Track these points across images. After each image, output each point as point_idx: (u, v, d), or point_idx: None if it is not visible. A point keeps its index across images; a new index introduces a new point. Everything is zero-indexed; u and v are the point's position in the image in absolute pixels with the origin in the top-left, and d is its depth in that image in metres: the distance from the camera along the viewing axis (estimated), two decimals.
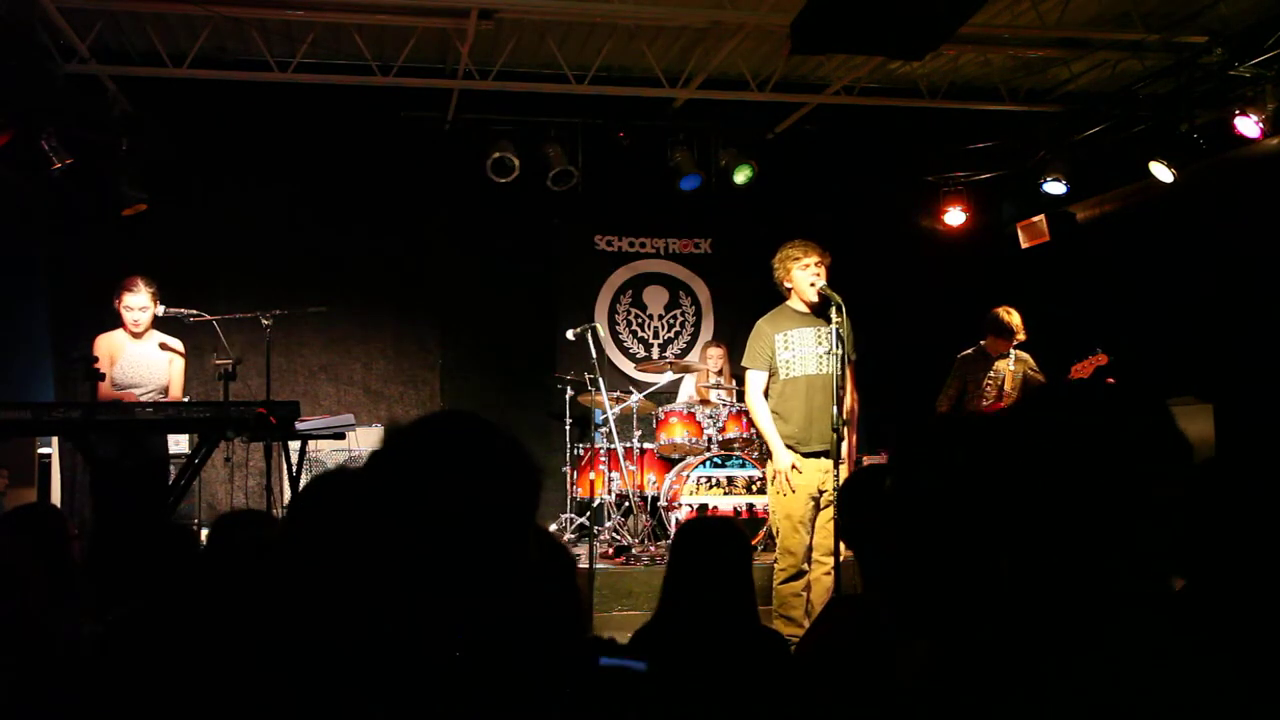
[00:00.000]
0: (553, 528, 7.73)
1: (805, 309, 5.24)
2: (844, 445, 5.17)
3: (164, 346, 5.97)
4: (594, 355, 7.28)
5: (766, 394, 5.29)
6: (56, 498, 7.02)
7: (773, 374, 5.26)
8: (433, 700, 1.22)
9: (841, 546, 4.97)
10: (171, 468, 6.55)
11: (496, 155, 7.76)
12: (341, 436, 5.75)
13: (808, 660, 2.30)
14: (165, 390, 6.02)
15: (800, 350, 5.18)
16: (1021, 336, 6.72)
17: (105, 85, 7.02)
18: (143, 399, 5.84)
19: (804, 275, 5.18)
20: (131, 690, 1.75)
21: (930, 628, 1.46)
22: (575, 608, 1.96)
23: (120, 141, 6.97)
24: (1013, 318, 6.70)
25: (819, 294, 5.14)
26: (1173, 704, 1.16)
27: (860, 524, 2.26)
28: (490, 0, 6.09)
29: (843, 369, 5.07)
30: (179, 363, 6.10)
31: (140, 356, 5.90)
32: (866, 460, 7.59)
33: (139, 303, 5.87)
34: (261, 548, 1.96)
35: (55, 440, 6.88)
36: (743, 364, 5.44)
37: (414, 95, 7.54)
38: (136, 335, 5.92)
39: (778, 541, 5.15)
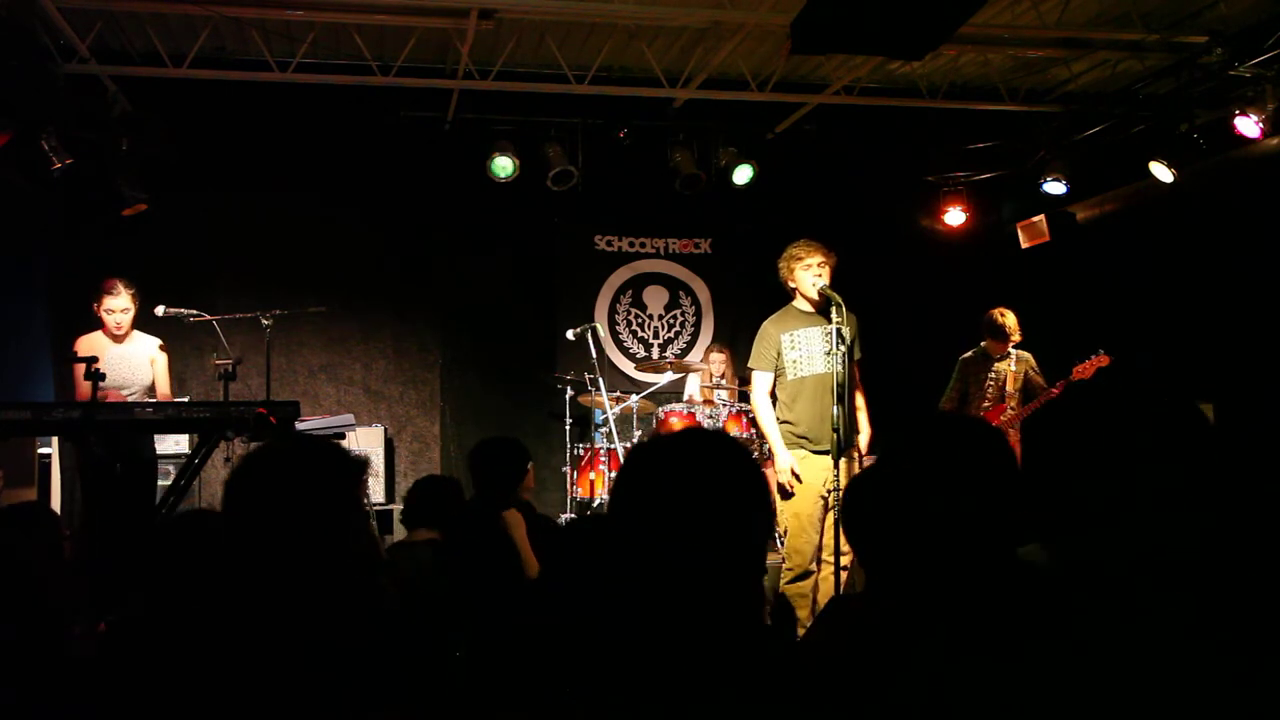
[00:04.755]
0: None
1: (811, 308, 5.26)
2: (861, 439, 5.20)
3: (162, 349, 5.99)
4: (594, 355, 7.29)
5: (774, 395, 5.30)
6: (56, 498, 7.02)
7: (780, 374, 5.27)
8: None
9: (844, 546, 4.97)
10: (171, 467, 6.56)
11: (496, 155, 7.77)
12: (342, 436, 5.75)
13: (807, 661, 2.30)
14: (151, 389, 6.02)
15: (807, 350, 5.19)
16: (1017, 337, 6.72)
17: (105, 85, 7.02)
18: (128, 399, 5.85)
19: (806, 275, 5.20)
20: (131, 690, 1.74)
21: (938, 624, 1.46)
22: None
23: (120, 141, 6.95)
24: (1007, 319, 6.70)
25: (820, 294, 5.16)
26: (1181, 686, 1.17)
27: (863, 524, 2.25)
28: (490, 0, 6.09)
29: (848, 368, 5.08)
30: (162, 360, 6.10)
31: (122, 358, 5.91)
32: (868, 460, 7.59)
33: (120, 305, 5.90)
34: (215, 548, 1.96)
35: (55, 440, 6.88)
36: (749, 365, 5.47)
37: (414, 95, 7.54)
38: (119, 339, 5.94)
39: (785, 541, 5.14)
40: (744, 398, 7.17)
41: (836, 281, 5.22)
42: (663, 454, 1.44)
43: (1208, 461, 1.35)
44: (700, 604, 1.31)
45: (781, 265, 5.32)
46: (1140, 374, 6.68)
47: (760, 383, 5.32)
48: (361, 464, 1.87)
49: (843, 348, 4.98)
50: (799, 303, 5.31)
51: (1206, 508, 1.49)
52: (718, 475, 1.38)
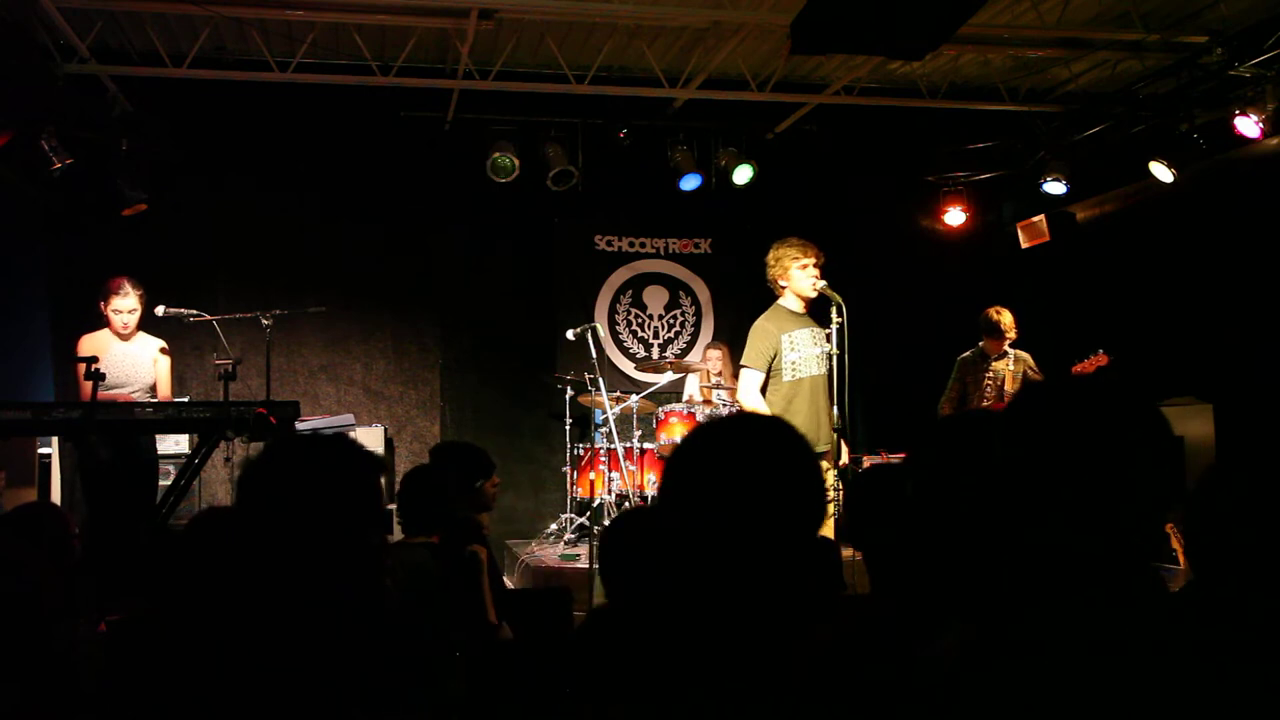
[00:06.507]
0: (553, 527, 7.74)
1: (800, 309, 5.24)
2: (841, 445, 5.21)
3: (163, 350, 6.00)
4: (594, 355, 7.28)
5: (765, 394, 5.28)
6: (56, 498, 7.02)
7: (775, 375, 5.24)
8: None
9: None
10: (171, 467, 6.56)
11: (496, 155, 7.76)
12: None
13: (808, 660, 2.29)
14: (153, 389, 6.03)
15: (804, 352, 5.19)
16: (1012, 335, 6.74)
17: (105, 85, 7.02)
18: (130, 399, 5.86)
19: (803, 275, 5.19)
20: (133, 692, 1.74)
21: (955, 621, 1.46)
22: None
23: (120, 141, 6.96)
24: (1003, 317, 6.72)
25: (819, 294, 5.15)
26: (1178, 693, 1.17)
27: (870, 525, 2.25)
28: (490, 0, 6.09)
29: (839, 369, 5.08)
30: (165, 362, 6.12)
31: (126, 356, 5.93)
32: (866, 460, 7.60)
33: (128, 305, 5.92)
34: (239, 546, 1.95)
35: (55, 440, 6.88)
36: (742, 362, 5.41)
37: (414, 95, 7.54)
38: (125, 337, 5.95)
39: None
40: None
41: (836, 281, 5.22)
42: (717, 437, 1.43)
43: (1175, 463, 1.35)
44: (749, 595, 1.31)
45: (773, 264, 5.28)
46: (1131, 373, 6.68)
47: (753, 381, 5.28)
48: (377, 462, 1.85)
49: (839, 350, 5.01)
50: (789, 302, 5.28)
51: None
52: (774, 458, 1.38)
